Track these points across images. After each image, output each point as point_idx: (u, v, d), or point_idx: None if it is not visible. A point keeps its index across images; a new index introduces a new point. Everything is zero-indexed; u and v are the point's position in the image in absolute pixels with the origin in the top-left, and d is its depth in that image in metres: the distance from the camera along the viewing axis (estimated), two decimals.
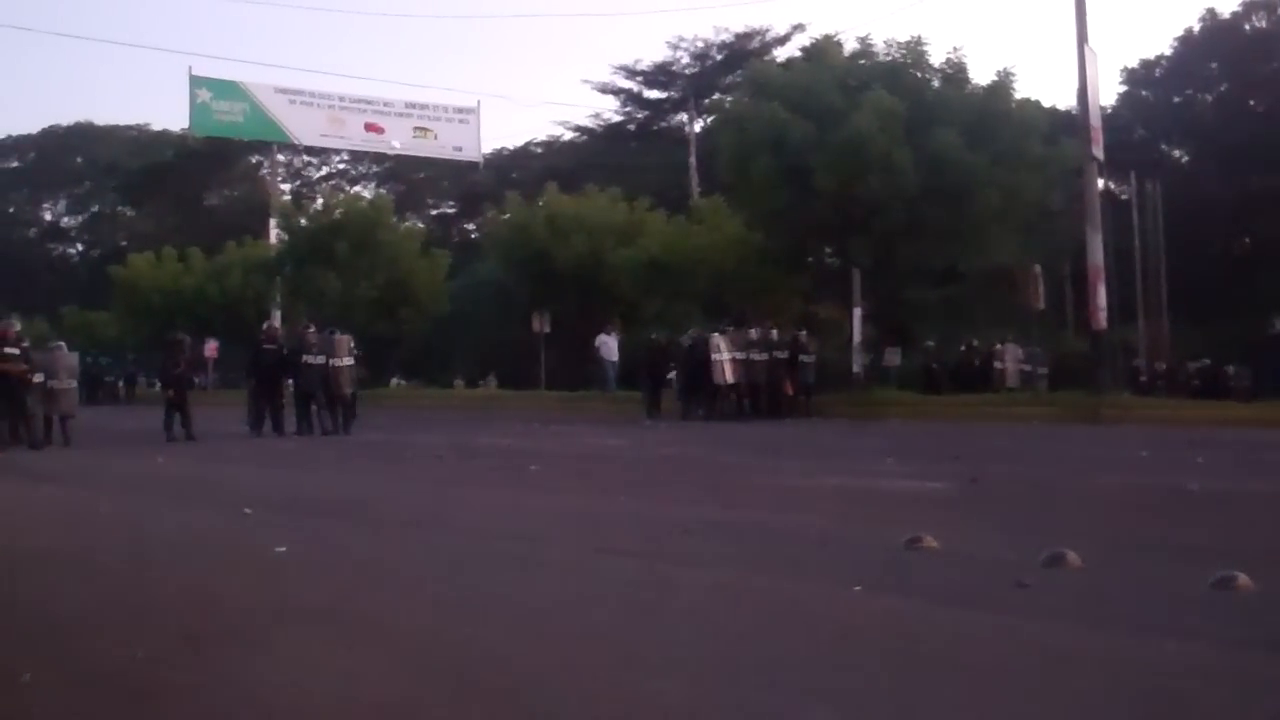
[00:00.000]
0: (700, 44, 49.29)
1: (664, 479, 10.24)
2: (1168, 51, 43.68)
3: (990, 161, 20.50)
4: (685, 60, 49.72)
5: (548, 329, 29.61)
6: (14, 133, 65.37)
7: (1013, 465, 11.04)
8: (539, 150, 55.95)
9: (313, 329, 17.94)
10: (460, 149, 44.06)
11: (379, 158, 55.23)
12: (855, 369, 22.74)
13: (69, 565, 5.74)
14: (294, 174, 60.43)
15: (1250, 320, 30.27)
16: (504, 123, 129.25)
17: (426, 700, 3.21)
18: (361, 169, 60.67)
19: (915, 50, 22.20)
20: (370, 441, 15.64)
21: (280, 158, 49.86)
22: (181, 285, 37.79)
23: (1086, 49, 21.10)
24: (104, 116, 73.43)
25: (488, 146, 47.49)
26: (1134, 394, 23.26)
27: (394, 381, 38.34)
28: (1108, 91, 42.21)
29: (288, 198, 42.63)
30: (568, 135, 54.93)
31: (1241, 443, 13.44)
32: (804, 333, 21.57)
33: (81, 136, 64.49)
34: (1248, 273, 35.80)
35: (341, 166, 61.06)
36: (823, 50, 23.76)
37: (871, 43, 22.91)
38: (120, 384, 37.10)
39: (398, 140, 43.02)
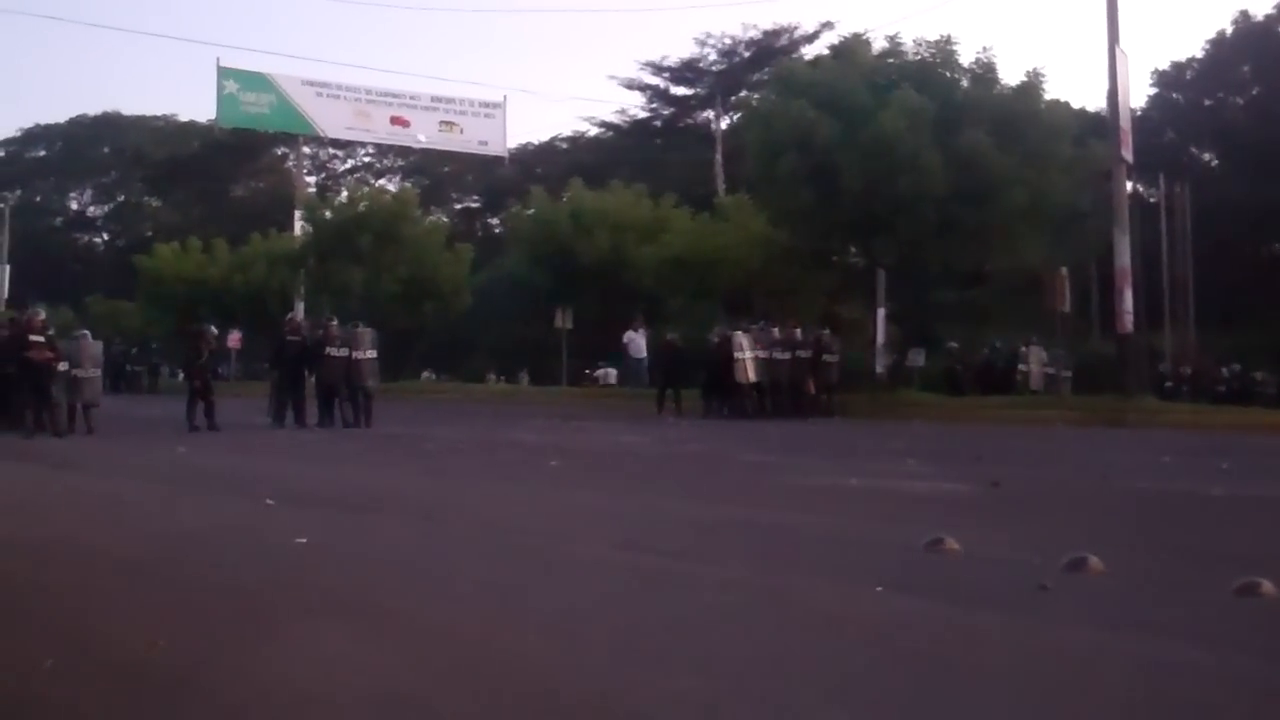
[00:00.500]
0: (728, 41, 49.39)
1: (684, 476, 10.23)
2: (1199, 54, 43.25)
3: (1019, 162, 20.31)
4: (713, 57, 49.80)
5: (570, 325, 29.64)
6: (42, 122, 65.97)
7: (1035, 468, 10.97)
8: (564, 146, 56.02)
9: (335, 321, 17.98)
10: (486, 143, 44.04)
11: (404, 151, 55.49)
12: (878, 369, 22.65)
13: (90, 553, 5.79)
14: (319, 166, 60.78)
15: (1278, 326, 30.06)
16: (530, 118, 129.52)
17: (444, 696, 3.22)
18: (387, 162, 60.99)
19: (944, 50, 22.02)
20: (391, 434, 15.69)
21: (306, 150, 50.01)
22: (206, 276, 37.88)
23: (1118, 50, 20.96)
24: (131, 107, 73.50)
25: (513, 141, 47.70)
26: (1159, 399, 23.09)
27: (424, 375, 38.51)
28: (1138, 93, 42.04)
29: (313, 190, 42.90)
30: (593, 131, 55.18)
31: (1268, 449, 13.34)
32: (827, 332, 21.44)
33: (108, 126, 64.75)
34: (1276, 278, 35.43)
35: (367, 160, 61.42)
36: (851, 49, 23.61)
37: (900, 41, 22.75)
38: (143, 374, 37.25)
39: (423, 134, 43.09)
